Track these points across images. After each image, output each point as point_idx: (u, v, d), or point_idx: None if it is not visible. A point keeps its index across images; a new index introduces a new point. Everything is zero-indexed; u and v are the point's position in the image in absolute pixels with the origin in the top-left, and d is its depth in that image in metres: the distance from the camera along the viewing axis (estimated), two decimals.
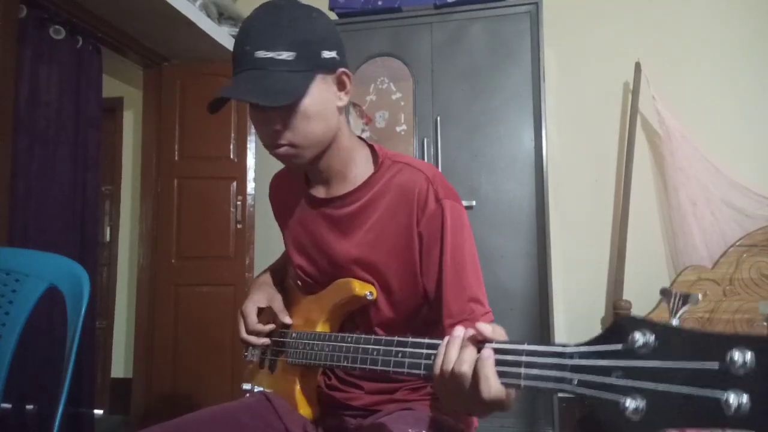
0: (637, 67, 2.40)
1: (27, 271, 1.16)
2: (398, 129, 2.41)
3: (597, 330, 2.71)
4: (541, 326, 2.13)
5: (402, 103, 2.41)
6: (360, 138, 0.98)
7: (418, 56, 2.39)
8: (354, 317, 0.96)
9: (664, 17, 2.49)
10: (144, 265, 2.78)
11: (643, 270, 2.36)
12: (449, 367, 0.61)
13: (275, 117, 0.82)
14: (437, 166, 2.29)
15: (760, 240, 2.21)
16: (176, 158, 2.79)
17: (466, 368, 0.59)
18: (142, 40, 2.57)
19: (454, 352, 0.61)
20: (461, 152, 2.30)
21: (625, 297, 2.26)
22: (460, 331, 0.63)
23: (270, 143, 0.85)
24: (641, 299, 2.28)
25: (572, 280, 2.47)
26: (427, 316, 0.91)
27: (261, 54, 0.79)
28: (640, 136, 2.43)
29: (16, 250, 1.37)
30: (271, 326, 0.99)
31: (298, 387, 0.95)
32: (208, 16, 2.54)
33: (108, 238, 3.19)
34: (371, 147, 0.96)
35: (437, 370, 0.63)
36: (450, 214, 0.86)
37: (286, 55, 0.79)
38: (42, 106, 2.05)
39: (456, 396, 0.61)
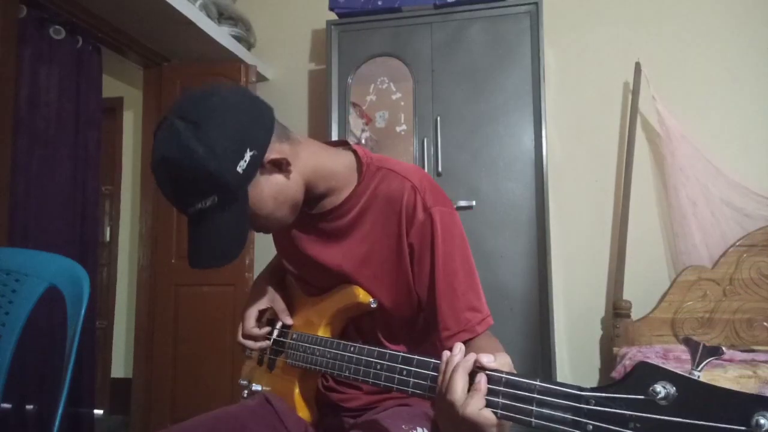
0: (637, 67, 2.40)
1: (27, 271, 1.16)
2: (398, 129, 2.40)
3: (597, 330, 2.70)
4: (540, 326, 2.13)
5: (402, 103, 2.41)
6: (343, 144, 0.96)
7: (418, 56, 2.39)
8: (354, 322, 0.96)
9: (664, 17, 2.49)
10: (144, 265, 2.77)
11: (643, 270, 2.35)
12: (443, 391, 0.62)
13: None
14: (437, 166, 2.29)
15: (760, 240, 2.21)
16: None
17: (459, 396, 0.59)
18: (142, 40, 2.57)
19: (449, 375, 0.62)
20: (461, 152, 2.30)
21: (625, 297, 2.26)
22: (459, 358, 0.63)
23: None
24: (641, 299, 2.28)
25: (572, 280, 2.47)
26: (426, 321, 0.91)
27: (190, 210, 0.78)
28: (640, 136, 2.43)
29: (16, 250, 1.38)
30: (266, 329, 1.00)
31: (297, 390, 0.95)
32: (208, 16, 2.54)
33: (108, 238, 3.19)
34: (355, 152, 0.94)
35: (438, 393, 0.63)
36: (440, 222, 0.85)
37: (210, 202, 0.77)
38: (42, 106, 2.05)
39: (448, 420, 0.62)
